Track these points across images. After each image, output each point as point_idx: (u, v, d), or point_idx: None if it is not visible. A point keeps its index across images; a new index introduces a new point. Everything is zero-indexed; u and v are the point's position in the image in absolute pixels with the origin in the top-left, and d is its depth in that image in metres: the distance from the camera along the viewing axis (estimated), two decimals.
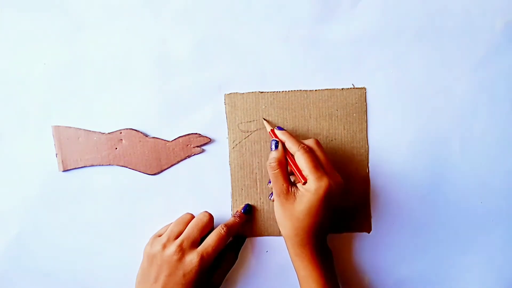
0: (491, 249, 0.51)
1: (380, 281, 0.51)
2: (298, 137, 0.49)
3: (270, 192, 0.49)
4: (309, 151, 0.42)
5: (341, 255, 0.50)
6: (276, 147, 0.44)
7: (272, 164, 0.43)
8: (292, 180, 0.45)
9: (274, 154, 0.44)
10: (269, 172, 0.44)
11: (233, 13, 0.48)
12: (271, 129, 0.46)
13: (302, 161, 0.42)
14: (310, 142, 0.44)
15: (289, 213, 0.42)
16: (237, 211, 0.49)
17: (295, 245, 0.43)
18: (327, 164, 0.43)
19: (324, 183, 0.41)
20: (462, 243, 0.51)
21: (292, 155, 0.44)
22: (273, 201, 0.46)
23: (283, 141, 0.44)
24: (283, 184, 0.43)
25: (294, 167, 0.43)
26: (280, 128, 0.45)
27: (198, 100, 0.49)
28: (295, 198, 0.42)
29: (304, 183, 0.42)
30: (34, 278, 0.49)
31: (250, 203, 0.49)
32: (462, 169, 0.50)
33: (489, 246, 0.51)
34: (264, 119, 0.48)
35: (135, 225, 0.49)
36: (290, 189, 0.43)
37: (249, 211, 0.49)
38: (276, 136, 0.45)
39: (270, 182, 0.48)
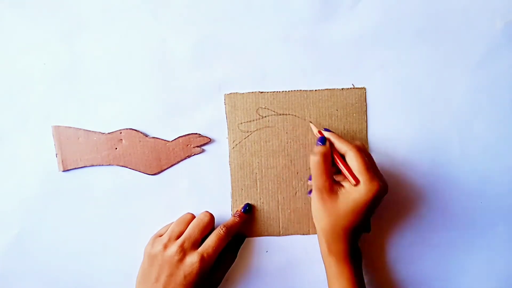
0: (491, 249, 0.51)
1: (380, 281, 0.51)
2: (296, 140, 0.49)
3: (309, 190, 0.49)
4: (361, 151, 0.42)
5: None
6: (323, 143, 0.44)
7: (317, 158, 0.42)
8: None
9: (321, 149, 0.43)
10: (312, 166, 0.43)
11: (233, 13, 0.48)
12: (318, 131, 0.46)
13: (354, 161, 0.41)
14: (359, 143, 0.44)
15: (330, 210, 0.42)
16: (237, 211, 0.49)
17: (330, 240, 0.43)
18: (376, 168, 0.43)
19: (375, 186, 0.41)
20: (462, 243, 0.51)
21: (342, 155, 0.43)
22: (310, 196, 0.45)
23: (332, 141, 0.44)
24: (326, 180, 0.42)
25: (344, 168, 0.42)
26: (327, 130, 0.46)
27: (198, 100, 0.49)
28: (338, 195, 0.42)
29: (356, 185, 0.41)
30: (34, 278, 0.49)
31: (250, 203, 0.49)
32: (462, 169, 0.50)
33: (489, 246, 0.51)
34: (311, 122, 0.48)
35: (135, 225, 0.49)
36: (333, 186, 0.43)
37: (249, 211, 0.49)
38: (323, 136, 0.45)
39: (310, 179, 0.48)
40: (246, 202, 0.49)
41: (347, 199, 0.42)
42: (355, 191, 0.41)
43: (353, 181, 0.42)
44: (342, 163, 0.43)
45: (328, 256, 0.44)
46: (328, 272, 0.45)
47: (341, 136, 0.45)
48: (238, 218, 0.48)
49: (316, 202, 0.43)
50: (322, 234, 0.44)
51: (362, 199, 0.41)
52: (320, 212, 0.43)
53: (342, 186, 0.43)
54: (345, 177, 0.43)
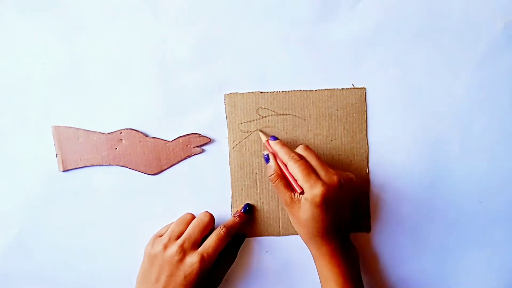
0: (491, 249, 0.51)
1: (380, 281, 0.51)
2: (296, 140, 0.49)
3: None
4: (299, 159, 0.42)
5: None
6: (268, 160, 0.45)
7: (270, 177, 0.44)
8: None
9: (272, 166, 0.44)
10: (272, 184, 0.44)
11: (233, 13, 0.48)
12: (266, 140, 0.46)
13: (294, 171, 0.42)
14: (299, 150, 0.44)
15: (297, 220, 0.43)
16: (237, 211, 0.49)
17: (312, 246, 0.44)
18: (320, 167, 0.43)
19: (317, 190, 0.41)
20: (462, 243, 0.51)
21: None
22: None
23: (275, 152, 0.45)
24: (285, 194, 0.43)
25: (290, 178, 0.43)
26: (274, 138, 0.46)
27: (198, 100, 0.49)
28: (300, 205, 0.43)
29: (301, 193, 0.42)
30: (34, 278, 0.49)
31: (250, 203, 0.49)
32: (462, 169, 0.50)
33: (489, 246, 0.51)
34: (260, 131, 0.48)
35: (135, 225, 0.49)
36: (293, 197, 0.43)
37: (249, 211, 0.49)
38: (270, 147, 0.46)
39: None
40: (246, 202, 0.49)
41: (304, 208, 0.42)
42: (306, 199, 0.41)
43: (298, 190, 0.42)
44: (288, 173, 0.43)
45: (316, 259, 0.45)
46: (319, 275, 0.45)
47: (285, 145, 0.45)
48: (238, 218, 0.48)
49: (288, 214, 0.45)
50: (304, 241, 0.45)
51: (312, 206, 0.41)
52: (293, 223, 0.45)
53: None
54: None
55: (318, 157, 0.44)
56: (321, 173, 0.42)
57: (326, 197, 0.41)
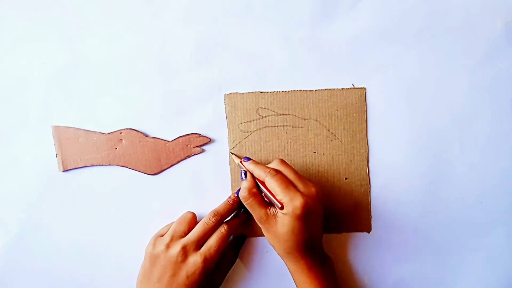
0: (491, 249, 0.51)
1: (379, 281, 0.51)
2: (296, 139, 0.49)
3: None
4: (275, 174, 0.42)
5: (340, 255, 0.50)
6: (245, 177, 0.45)
7: (243, 194, 0.43)
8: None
9: (244, 184, 0.44)
10: (243, 203, 0.44)
11: (233, 13, 0.48)
12: (240, 161, 0.46)
13: (272, 185, 0.42)
14: (274, 165, 0.44)
15: (274, 236, 0.43)
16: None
17: (290, 261, 0.44)
18: (297, 180, 0.43)
19: (298, 202, 0.41)
20: (462, 244, 0.51)
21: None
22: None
23: (251, 171, 0.44)
24: (260, 211, 0.43)
25: (268, 194, 0.43)
26: (247, 159, 0.46)
27: (198, 100, 0.49)
28: (277, 220, 0.42)
29: (281, 208, 0.42)
30: (34, 278, 0.49)
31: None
32: (462, 169, 0.50)
33: (489, 246, 0.51)
34: (232, 153, 0.48)
35: (135, 225, 0.49)
36: (269, 213, 0.43)
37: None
38: (244, 167, 0.45)
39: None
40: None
41: (284, 222, 0.42)
42: (286, 213, 0.41)
43: (278, 205, 0.42)
44: (267, 190, 0.43)
45: (294, 274, 0.44)
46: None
47: (259, 163, 0.45)
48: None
49: (263, 231, 0.44)
50: (281, 257, 0.45)
51: (293, 219, 0.41)
52: (269, 239, 0.44)
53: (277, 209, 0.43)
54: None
55: (294, 170, 0.44)
56: (299, 185, 0.42)
57: (307, 208, 0.41)
